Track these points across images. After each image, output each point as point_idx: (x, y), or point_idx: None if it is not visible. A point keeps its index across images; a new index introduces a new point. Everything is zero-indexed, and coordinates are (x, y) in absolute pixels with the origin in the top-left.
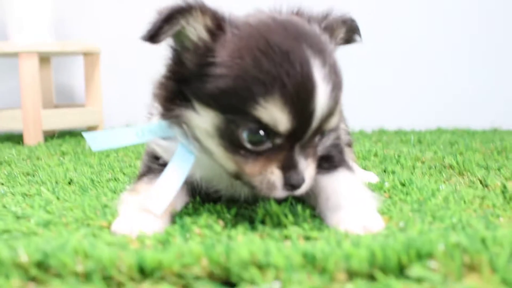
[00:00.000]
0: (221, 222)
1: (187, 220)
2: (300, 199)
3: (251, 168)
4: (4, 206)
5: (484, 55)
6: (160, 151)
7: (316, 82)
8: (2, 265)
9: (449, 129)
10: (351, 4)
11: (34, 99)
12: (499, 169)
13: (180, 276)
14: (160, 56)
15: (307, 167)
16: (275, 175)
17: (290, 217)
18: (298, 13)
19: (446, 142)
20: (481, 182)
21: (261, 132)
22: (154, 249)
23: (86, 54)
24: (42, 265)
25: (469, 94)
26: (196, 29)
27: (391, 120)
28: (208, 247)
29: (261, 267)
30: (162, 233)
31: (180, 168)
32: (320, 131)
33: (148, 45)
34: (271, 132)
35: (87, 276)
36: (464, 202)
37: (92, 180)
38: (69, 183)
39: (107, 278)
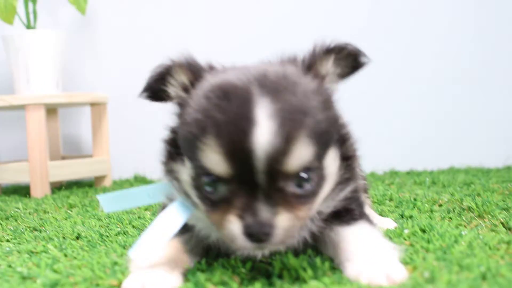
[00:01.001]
0: (236, 278)
1: (201, 277)
2: (319, 251)
3: (213, 217)
4: (10, 266)
5: (495, 91)
6: None
7: (256, 120)
8: None
9: (462, 168)
10: (364, 41)
11: (41, 151)
12: None
13: None
14: (167, 106)
15: (275, 216)
16: (232, 223)
17: (309, 271)
18: (291, 60)
19: (461, 183)
20: (503, 225)
21: (211, 178)
22: None
23: (93, 105)
24: None
25: (481, 132)
26: (174, 86)
27: (403, 160)
28: None
29: None
30: None
31: (170, 222)
32: (281, 174)
33: None
34: (216, 177)
35: None
36: (490, 248)
37: (101, 235)
38: (77, 237)
39: None
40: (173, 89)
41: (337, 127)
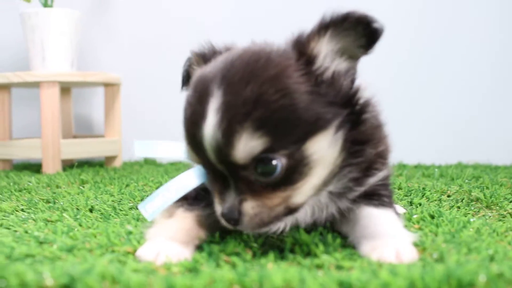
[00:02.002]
0: (249, 251)
1: (215, 248)
2: (330, 229)
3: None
4: (26, 232)
5: (504, 89)
6: None
7: (206, 114)
8: None
9: (470, 164)
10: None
11: (53, 128)
12: None
13: None
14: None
15: (242, 203)
16: (216, 206)
17: (321, 246)
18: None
19: (470, 176)
20: (511, 216)
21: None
22: (183, 275)
23: (106, 85)
24: None
25: (491, 129)
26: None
27: (411, 154)
28: (240, 274)
29: None
30: (190, 261)
31: (185, 183)
32: (234, 165)
33: (167, 78)
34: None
35: None
36: (497, 234)
37: (114, 208)
38: (91, 210)
39: None
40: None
41: (333, 111)
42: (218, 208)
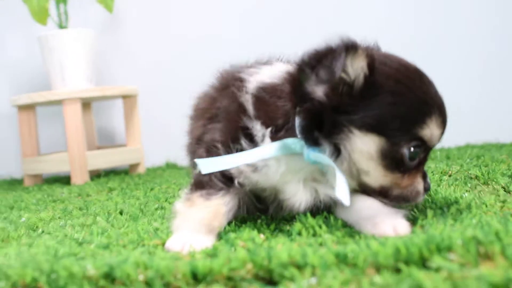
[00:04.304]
0: (262, 236)
1: (232, 235)
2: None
3: (407, 181)
4: (66, 235)
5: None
6: (247, 171)
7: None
8: (74, 278)
9: (478, 144)
10: (365, 31)
11: (78, 142)
12: None
13: (229, 278)
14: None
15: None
16: (420, 184)
17: (324, 227)
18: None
19: (473, 156)
20: (504, 189)
21: (418, 149)
22: (204, 259)
23: (124, 97)
24: (108, 277)
25: (497, 109)
26: (358, 67)
27: None
28: (252, 253)
29: (299, 266)
30: (211, 248)
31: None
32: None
33: (182, 86)
34: (426, 147)
35: (148, 284)
36: (486, 206)
37: (141, 210)
38: (120, 213)
39: (166, 285)
40: (355, 69)
41: None
42: (421, 185)
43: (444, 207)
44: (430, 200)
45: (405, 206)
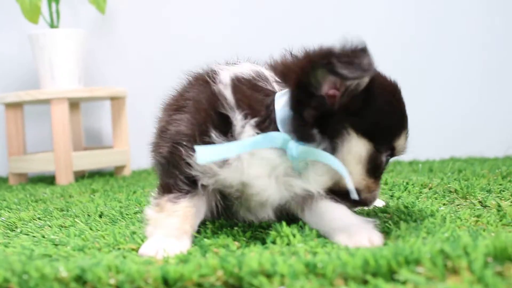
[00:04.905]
0: (236, 243)
1: (206, 242)
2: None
3: (375, 186)
4: (43, 236)
5: (498, 82)
6: (214, 168)
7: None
8: (46, 280)
9: (463, 158)
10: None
11: (65, 142)
12: (500, 192)
13: (199, 285)
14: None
15: None
16: (379, 189)
17: (298, 236)
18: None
19: (455, 169)
20: (481, 204)
21: (389, 157)
22: (176, 264)
23: (113, 99)
24: (80, 279)
25: (483, 123)
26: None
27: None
28: (223, 260)
29: (268, 275)
30: (184, 253)
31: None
32: None
33: (172, 89)
34: (392, 156)
35: None
36: (460, 220)
37: (121, 213)
38: (100, 216)
39: None
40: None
41: None
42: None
43: (419, 220)
44: (406, 212)
45: (357, 210)
